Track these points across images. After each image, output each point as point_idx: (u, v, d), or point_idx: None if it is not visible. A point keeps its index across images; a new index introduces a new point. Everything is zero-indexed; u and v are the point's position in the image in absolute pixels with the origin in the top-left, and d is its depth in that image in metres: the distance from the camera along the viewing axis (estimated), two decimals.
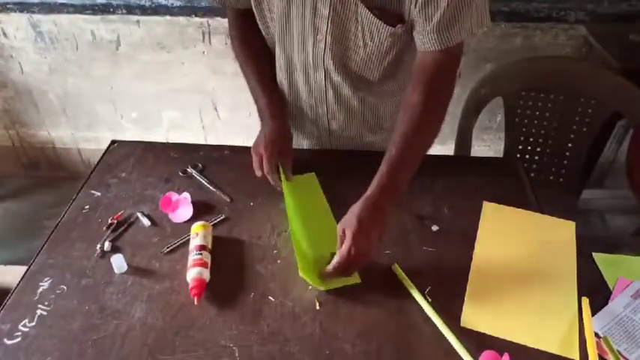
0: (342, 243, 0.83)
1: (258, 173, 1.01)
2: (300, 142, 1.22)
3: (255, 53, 1.09)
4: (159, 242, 0.93)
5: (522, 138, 1.55)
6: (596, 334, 0.79)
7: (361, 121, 1.12)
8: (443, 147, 2.11)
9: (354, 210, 0.84)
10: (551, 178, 1.57)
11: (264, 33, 1.05)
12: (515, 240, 0.95)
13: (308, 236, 0.93)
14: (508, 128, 1.54)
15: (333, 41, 0.96)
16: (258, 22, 1.03)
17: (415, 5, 0.87)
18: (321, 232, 0.94)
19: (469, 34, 0.89)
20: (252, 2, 0.99)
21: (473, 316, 0.81)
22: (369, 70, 1.00)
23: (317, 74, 1.03)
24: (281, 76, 1.09)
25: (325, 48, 0.97)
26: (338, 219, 0.96)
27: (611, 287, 0.89)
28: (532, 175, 1.57)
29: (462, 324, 0.80)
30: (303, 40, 0.98)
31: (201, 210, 0.99)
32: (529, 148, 1.56)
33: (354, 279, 0.86)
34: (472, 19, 0.88)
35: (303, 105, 1.13)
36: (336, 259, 0.82)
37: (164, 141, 1.53)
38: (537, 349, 0.77)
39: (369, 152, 1.07)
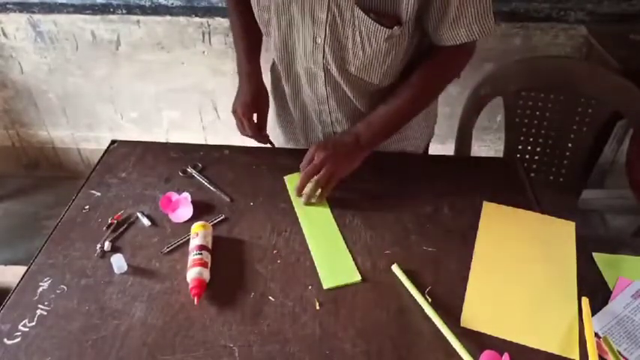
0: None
1: (244, 134, 1.15)
2: (306, 144, 1.22)
3: (249, 22, 1.09)
4: (159, 242, 0.93)
5: (522, 138, 1.55)
6: (596, 334, 0.79)
7: None
8: (443, 147, 2.12)
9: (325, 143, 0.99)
10: (551, 178, 1.57)
11: (262, 29, 1.05)
12: (515, 240, 0.95)
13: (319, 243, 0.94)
14: (508, 128, 1.54)
15: (332, 47, 0.96)
16: (258, 22, 1.03)
17: (431, 4, 0.89)
18: (324, 233, 0.95)
19: (482, 33, 0.93)
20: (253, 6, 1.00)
21: (473, 316, 0.81)
22: (369, 73, 1.00)
23: (318, 79, 1.03)
24: (284, 80, 1.10)
25: (325, 54, 0.97)
26: (338, 218, 0.97)
27: (611, 287, 0.89)
28: (532, 175, 1.57)
29: (462, 324, 0.80)
30: (304, 46, 0.98)
31: (201, 210, 0.99)
32: (529, 148, 1.56)
33: (355, 278, 0.86)
34: (484, 18, 0.91)
35: (308, 110, 1.14)
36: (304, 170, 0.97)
37: (164, 141, 1.52)
38: (537, 349, 0.77)
39: (373, 152, 1.07)
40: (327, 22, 0.92)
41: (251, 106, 1.12)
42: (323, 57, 0.98)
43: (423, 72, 1.01)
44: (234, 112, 1.14)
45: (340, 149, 0.98)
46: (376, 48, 0.94)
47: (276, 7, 0.95)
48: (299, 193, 1.00)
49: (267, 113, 1.15)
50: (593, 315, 0.81)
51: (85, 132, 2.33)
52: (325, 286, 0.85)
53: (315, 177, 0.97)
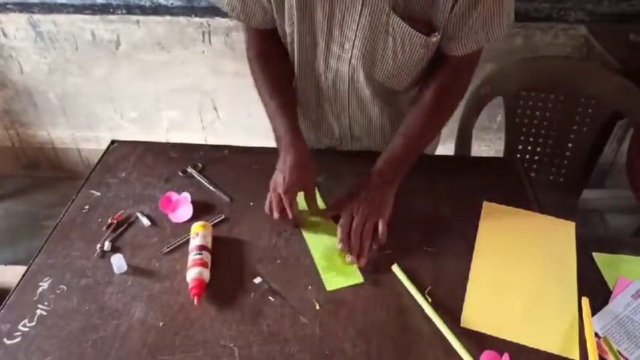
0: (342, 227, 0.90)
1: (276, 215, 0.92)
2: (322, 144, 1.20)
3: (276, 77, 1.03)
4: (159, 242, 0.93)
5: (522, 138, 1.55)
6: (596, 334, 0.79)
7: (383, 128, 1.11)
8: (443, 147, 2.11)
9: (353, 193, 0.93)
10: (551, 178, 1.57)
11: (289, 47, 1.01)
12: (515, 240, 0.95)
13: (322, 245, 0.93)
14: (508, 128, 1.54)
15: (360, 55, 0.93)
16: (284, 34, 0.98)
17: (452, 11, 0.84)
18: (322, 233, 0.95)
19: (496, 39, 0.89)
20: (278, 20, 0.95)
21: (473, 316, 0.81)
22: (396, 81, 0.98)
23: (341, 86, 1.02)
24: (304, 83, 1.05)
25: (351, 62, 0.95)
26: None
27: (611, 287, 0.89)
28: (532, 175, 1.57)
29: (462, 324, 0.80)
30: (329, 53, 0.96)
31: (201, 210, 0.99)
32: (529, 148, 1.56)
33: (357, 280, 0.86)
34: (502, 23, 0.87)
35: (327, 111, 1.11)
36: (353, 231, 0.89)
37: (164, 141, 1.53)
38: (537, 349, 0.77)
39: (374, 153, 1.06)
40: (357, 28, 0.89)
41: (298, 183, 0.91)
42: (349, 63, 0.96)
43: (436, 91, 0.96)
44: (273, 190, 0.93)
45: (373, 194, 0.93)
46: (409, 55, 0.92)
47: (299, 14, 0.90)
48: (358, 262, 0.88)
49: (315, 192, 0.96)
50: (593, 315, 0.81)
51: (84, 132, 2.33)
52: (328, 289, 0.85)
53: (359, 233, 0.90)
